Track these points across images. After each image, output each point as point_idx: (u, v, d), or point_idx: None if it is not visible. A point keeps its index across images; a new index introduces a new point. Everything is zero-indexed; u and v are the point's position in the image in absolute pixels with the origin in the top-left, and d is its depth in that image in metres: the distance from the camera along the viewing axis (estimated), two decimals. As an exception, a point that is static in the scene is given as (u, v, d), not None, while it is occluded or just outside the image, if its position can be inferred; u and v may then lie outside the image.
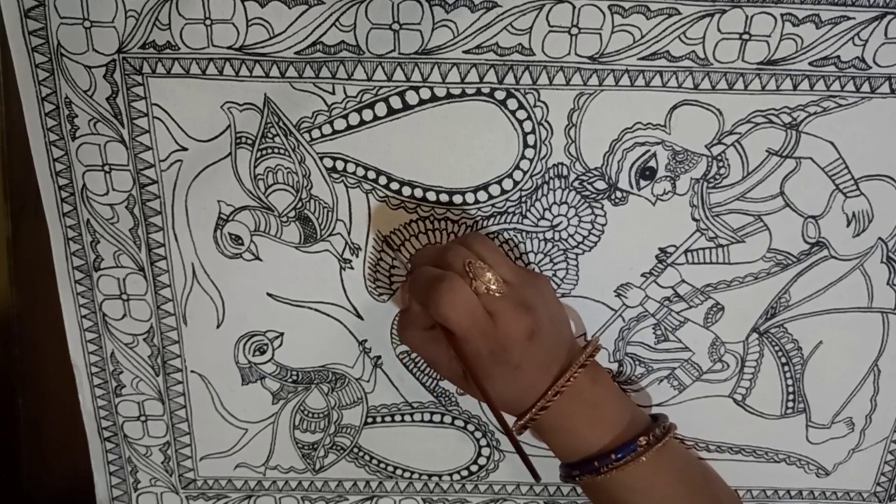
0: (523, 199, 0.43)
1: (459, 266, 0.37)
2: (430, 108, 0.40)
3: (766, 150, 0.42)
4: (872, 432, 0.49)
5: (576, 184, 0.42)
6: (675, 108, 0.40)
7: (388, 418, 0.49)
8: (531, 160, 0.42)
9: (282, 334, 0.46)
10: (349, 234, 0.44)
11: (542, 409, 0.39)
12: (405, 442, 0.50)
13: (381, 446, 0.50)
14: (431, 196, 0.43)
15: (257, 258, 0.44)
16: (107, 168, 0.42)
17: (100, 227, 0.43)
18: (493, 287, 0.37)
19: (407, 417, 0.49)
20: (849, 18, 0.38)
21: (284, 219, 0.43)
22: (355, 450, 0.50)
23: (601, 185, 0.42)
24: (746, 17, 0.38)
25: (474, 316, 0.37)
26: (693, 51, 0.39)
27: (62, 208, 0.43)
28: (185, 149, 0.41)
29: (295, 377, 0.48)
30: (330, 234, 0.44)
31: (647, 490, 0.41)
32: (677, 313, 0.46)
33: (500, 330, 0.37)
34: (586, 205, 0.43)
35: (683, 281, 0.45)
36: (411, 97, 0.40)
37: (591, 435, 0.41)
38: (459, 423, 0.49)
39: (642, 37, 0.39)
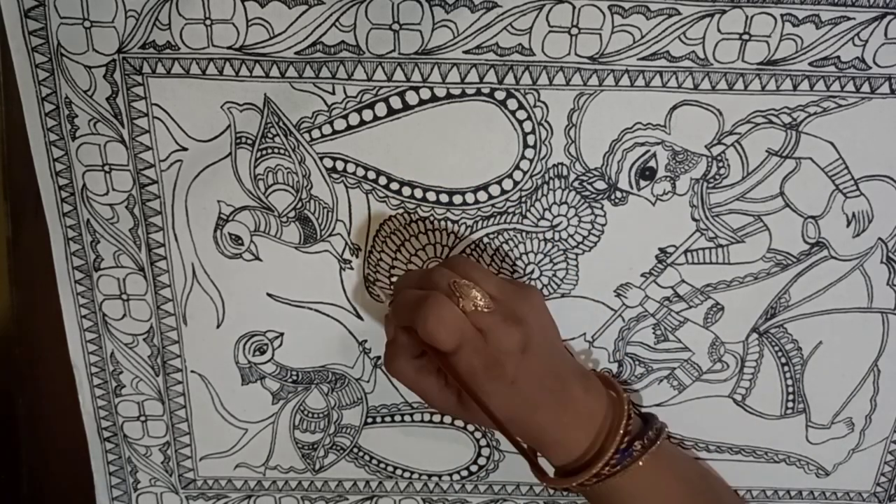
0: (523, 199, 0.43)
1: (444, 286, 0.37)
2: (430, 108, 0.40)
3: (766, 151, 0.42)
4: (872, 432, 0.49)
5: (576, 184, 0.42)
6: (675, 108, 0.40)
7: (388, 418, 0.49)
8: (531, 160, 0.42)
9: (282, 334, 0.47)
10: (349, 234, 0.44)
11: (597, 477, 0.39)
12: (405, 442, 0.50)
13: (381, 446, 0.50)
14: (431, 196, 0.43)
15: (257, 258, 0.44)
16: (107, 168, 0.42)
17: (100, 227, 0.43)
18: (481, 304, 0.37)
19: (407, 417, 0.49)
20: (849, 19, 0.38)
21: (284, 219, 0.43)
22: (355, 450, 0.50)
23: (601, 185, 0.42)
24: (746, 17, 0.38)
25: (464, 332, 0.36)
26: (693, 51, 0.39)
27: (62, 208, 0.43)
28: (185, 149, 0.41)
29: (295, 377, 0.48)
30: (330, 235, 0.44)
31: (647, 495, 0.41)
32: (677, 313, 0.46)
33: (491, 345, 0.36)
34: (586, 205, 0.43)
35: (683, 281, 0.45)
36: (411, 97, 0.40)
37: (584, 437, 0.40)
38: (459, 422, 0.49)
39: (642, 37, 0.39)
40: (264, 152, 0.42)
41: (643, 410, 0.48)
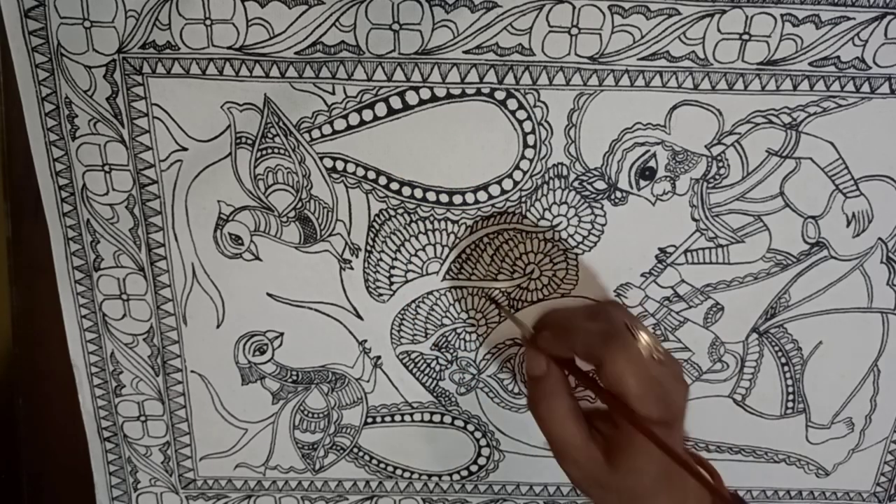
0: (523, 199, 0.43)
1: (621, 323, 0.35)
2: (430, 108, 0.40)
3: (766, 151, 0.42)
4: (872, 432, 0.49)
5: (576, 184, 0.42)
6: (674, 108, 0.40)
7: (388, 418, 0.49)
8: (531, 160, 0.42)
9: (282, 334, 0.47)
10: (349, 234, 0.44)
11: None
12: (405, 442, 0.50)
13: (381, 446, 0.50)
14: (431, 196, 0.43)
15: (257, 258, 0.44)
16: (107, 168, 0.42)
17: (100, 227, 0.43)
18: (659, 350, 0.34)
19: (407, 417, 0.49)
20: (849, 19, 0.38)
21: (284, 219, 0.43)
22: (355, 450, 0.50)
23: (601, 185, 0.42)
24: (746, 17, 0.38)
25: (650, 378, 0.33)
26: (693, 51, 0.39)
27: (62, 208, 0.43)
28: (185, 149, 0.41)
29: (295, 377, 0.48)
30: (330, 235, 0.44)
31: None
32: (677, 313, 0.46)
33: (668, 397, 0.34)
34: (586, 205, 0.43)
35: (683, 281, 0.45)
36: (411, 97, 0.40)
37: None
38: (459, 423, 0.49)
39: (642, 37, 0.39)
40: (264, 152, 0.42)
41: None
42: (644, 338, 0.34)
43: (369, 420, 0.49)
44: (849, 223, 0.43)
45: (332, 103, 0.40)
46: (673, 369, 0.35)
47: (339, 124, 0.41)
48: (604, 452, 0.35)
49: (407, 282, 0.45)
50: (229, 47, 0.39)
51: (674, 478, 0.34)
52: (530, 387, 0.37)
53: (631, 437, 0.34)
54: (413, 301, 0.45)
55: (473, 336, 0.46)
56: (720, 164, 0.42)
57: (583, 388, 0.42)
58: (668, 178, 0.42)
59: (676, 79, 0.40)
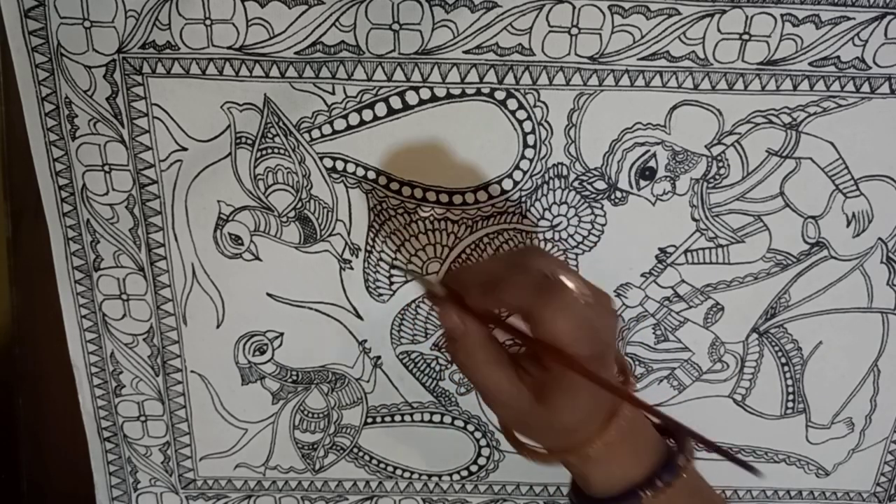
0: (523, 199, 0.43)
1: (550, 273, 0.34)
2: (430, 108, 0.40)
3: (766, 151, 0.42)
4: (872, 432, 0.49)
5: (576, 184, 0.42)
6: (674, 108, 0.40)
7: (388, 418, 0.49)
8: (531, 160, 0.42)
9: (282, 334, 0.47)
10: (349, 234, 0.44)
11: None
12: (405, 442, 0.50)
13: (381, 446, 0.50)
14: (431, 196, 0.43)
15: (257, 258, 0.44)
16: (107, 168, 0.42)
17: (100, 227, 0.43)
18: (587, 291, 0.34)
19: (407, 417, 0.49)
20: (849, 19, 0.38)
21: (284, 219, 0.43)
22: (355, 450, 0.50)
23: (601, 185, 0.42)
24: (746, 17, 0.38)
25: (583, 322, 0.33)
26: (693, 51, 0.39)
27: (62, 208, 0.43)
28: (185, 149, 0.41)
29: (295, 377, 0.48)
30: (330, 235, 0.44)
31: None
32: (677, 313, 0.46)
33: (598, 334, 0.34)
34: (586, 205, 0.43)
35: (683, 281, 0.45)
36: (411, 97, 0.40)
37: (633, 461, 0.37)
38: (459, 423, 0.49)
39: (642, 37, 0.39)
40: (264, 152, 0.42)
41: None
42: (573, 283, 0.34)
43: (369, 420, 0.49)
44: (849, 223, 0.43)
45: (332, 103, 0.40)
46: (602, 306, 0.35)
47: (339, 124, 0.41)
48: (533, 392, 0.35)
49: (407, 282, 0.45)
50: (229, 47, 0.39)
51: (607, 406, 0.35)
52: (450, 344, 0.37)
53: (562, 376, 0.34)
54: (413, 301, 0.45)
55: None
56: (720, 164, 0.42)
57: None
58: (668, 178, 0.42)
59: (676, 79, 0.40)
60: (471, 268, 0.41)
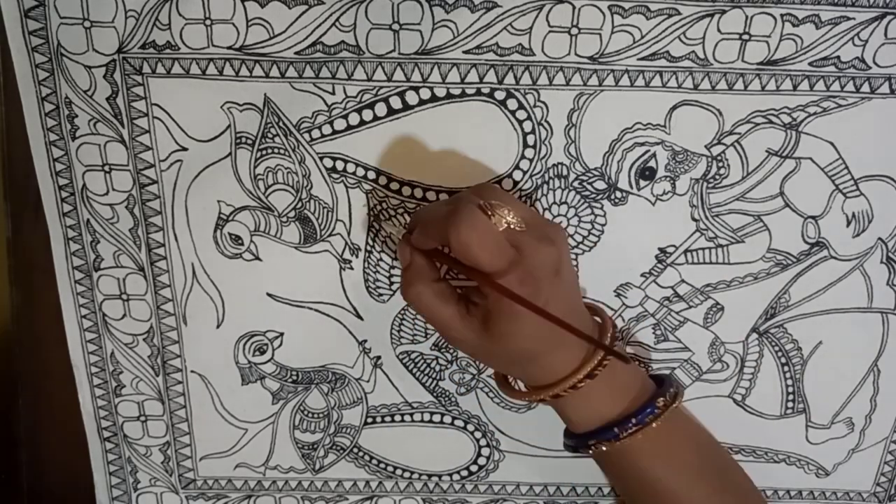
0: (523, 199, 0.43)
1: (463, 199, 0.35)
2: (430, 108, 0.40)
3: (766, 151, 0.42)
4: (872, 432, 0.49)
5: (575, 184, 0.42)
6: (674, 108, 0.40)
7: (388, 418, 0.49)
8: (531, 160, 0.42)
9: (282, 334, 0.47)
10: (349, 234, 0.44)
11: (573, 387, 0.37)
12: (405, 442, 0.50)
13: (381, 446, 0.50)
14: (431, 196, 0.43)
15: (257, 258, 0.44)
16: (107, 168, 0.42)
17: (100, 227, 0.43)
18: (513, 221, 0.35)
19: (407, 417, 0.49)
20: (849, 19, 0.38)
21: (284, 219, 0.43)
22: (355, 450, 0.50)
23: (601, 185, 0.42)
24: (746, 17, 0.38)
25: (500, 245, 0.34)
26: (693, 51, 0.39)
27: (62, 208, 0.43)
28: (185, 149, 0.41)
29: (295, 377, 0.48)
30: (330, 235, 0.44)
31: (665, 454, 0.39)
32: (677, 313, 0.46)
33: (527, 261, 0.34)
34: (586, 205, 0.43)
35: (683, 281, 0.45)
36: (411, 97, 0.40)
37: (609, 401, 0.39)
38: (459, 423, 0.49)
39: (642, 37, 0.39)
40: (264, 152, 0.42)
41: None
42: (499, 211, 0.35)
43: (369, 420, 0.49)
44: (849, 223, 0.43)
45: (332, 103, 0.40)
46: (539, 232, 0.36)
47: (339, 124, 0.41)
48: (481, 323, 0.37)
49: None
50: (229, 47, 0.39)
51: (555, 332, 0.35)
52: (401, 278, 0.39)
53: (498, 304, 0.35)
54: (413, 301, 0.45)
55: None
56: (720, 164, 0.42)
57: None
58: (668, 178, 0.42)
59: (676, 79, 0.40)
60: (427, 207, 0.42)
